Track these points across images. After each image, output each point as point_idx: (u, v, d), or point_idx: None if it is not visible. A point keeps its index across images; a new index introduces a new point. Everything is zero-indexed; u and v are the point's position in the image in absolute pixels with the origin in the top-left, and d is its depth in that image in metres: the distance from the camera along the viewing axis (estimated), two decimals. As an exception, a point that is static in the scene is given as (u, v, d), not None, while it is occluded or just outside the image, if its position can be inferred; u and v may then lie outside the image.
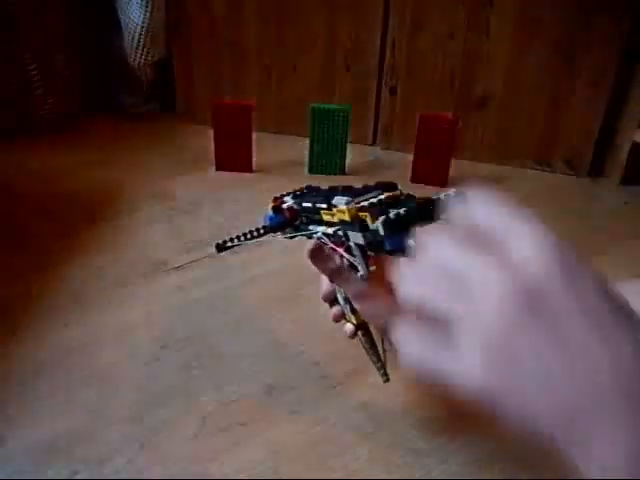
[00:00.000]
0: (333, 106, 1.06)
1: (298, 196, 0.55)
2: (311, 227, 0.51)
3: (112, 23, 1.18)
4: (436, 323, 0.25)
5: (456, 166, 1.06)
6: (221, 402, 0.58)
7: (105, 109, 1.30)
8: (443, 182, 1.05)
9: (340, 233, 0.45)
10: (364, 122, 1.23)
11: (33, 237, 0.85)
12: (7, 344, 0.64)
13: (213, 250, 0.57)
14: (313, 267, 0.49)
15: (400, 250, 0.39)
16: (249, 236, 0.56)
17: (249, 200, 0.96)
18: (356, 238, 0.43)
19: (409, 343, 0.26)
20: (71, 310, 0.70)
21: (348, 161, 1.10)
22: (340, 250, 0.46)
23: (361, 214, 0.41)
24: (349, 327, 0.53)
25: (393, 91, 1.18)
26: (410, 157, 1.07)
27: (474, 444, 0.54)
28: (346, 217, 0.43)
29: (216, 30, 1.21)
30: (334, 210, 0.45)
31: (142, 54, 1.18)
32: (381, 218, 0.39)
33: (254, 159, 1.08)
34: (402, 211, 0.38)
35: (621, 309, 0.23)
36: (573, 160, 1.15)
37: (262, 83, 1.24)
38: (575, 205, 1.05)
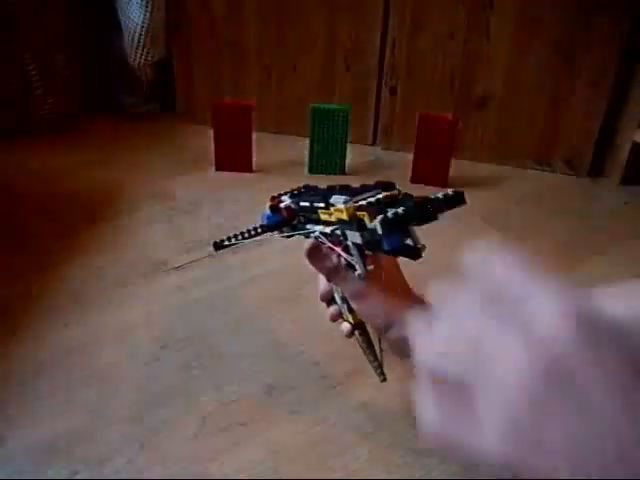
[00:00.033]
0: (333, 106, 1.06)
1: (296, 195, 0.55)
2: (309, 226, 0.51)
3: (112, 23, 1.18)
4: (455, 387, 0.25)
5: (456, 166, 1.06)
6: (221, 402, 0.58)
7: (105, 109, 1.30)
8: (443, 182, 1.04)
9: (338, 232, 0.45)
10: (364, 122, 1.22)
11: (33, 237, 0.85)
12: (7, 344, 0.64)
13: (212, 250, 0.58)
14: (311, 266, 0.49)
15: (398, 249, 0.39)
16: (247, 235, 0.56)
17: (249, 200, 0.96)
18: (354, 237, 0.43)
19: (427, 408, 0.26)
20: (71, 310, 0.70)
21: (348, 161, 1.10)
22: (338, 249, 0.46)
23: (359, 213, 0.41)
24: (346, 326, 0.53)
25: (393, 91, 1.18)
26: (410, 157, 1.07)
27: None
28: (344, 216, 0.42)
29: (216, 30, 1.21)
30: (332, 209, 0.45)
31: (142, 54, 1.18)
32: (379, 217, 0.38)
33: (254, 159, 1.08)
34: (400, 210, 0.38)
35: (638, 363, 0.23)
36: (573, 160, 1.15)
37: (262, 83, 1.24)
38: (575, 205, 1.05)
